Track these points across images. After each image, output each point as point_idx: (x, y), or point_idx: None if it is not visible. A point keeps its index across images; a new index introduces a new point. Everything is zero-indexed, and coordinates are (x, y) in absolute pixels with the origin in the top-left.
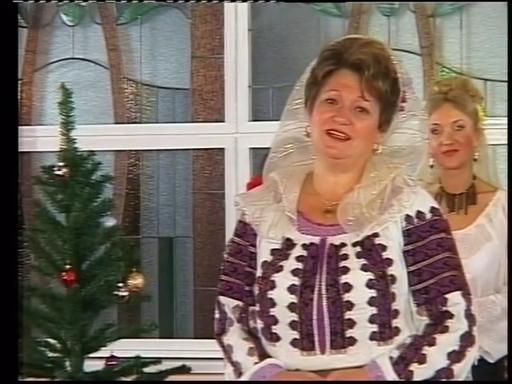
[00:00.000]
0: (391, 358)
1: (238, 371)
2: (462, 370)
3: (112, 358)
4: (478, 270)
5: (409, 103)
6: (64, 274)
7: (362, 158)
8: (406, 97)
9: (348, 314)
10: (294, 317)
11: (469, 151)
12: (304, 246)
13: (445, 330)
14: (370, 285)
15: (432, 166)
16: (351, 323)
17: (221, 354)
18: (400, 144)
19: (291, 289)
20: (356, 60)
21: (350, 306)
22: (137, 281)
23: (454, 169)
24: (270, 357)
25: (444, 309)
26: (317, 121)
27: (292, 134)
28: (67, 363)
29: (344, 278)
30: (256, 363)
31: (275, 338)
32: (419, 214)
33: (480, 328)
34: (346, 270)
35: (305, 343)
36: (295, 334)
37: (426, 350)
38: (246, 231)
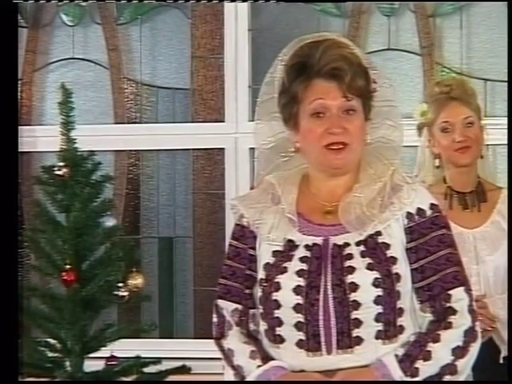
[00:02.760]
0: (396, 355)
1: (240, 375)
2: (466, 366)
3: (112, 357)
4: (501, 266)
5: (376, 81)
6: (64, 274)
7: (359, 157)
8: (374, 77)
9: (355, 314)
10: (300, 318)
11: (479, 148)
12: (307, 246)
13: (449, 325)
14: (376, 284)
15: (438, 167)
16: (358, 323)
17: (221, 354)
18: (378, 119)
19: (296, 290)
20: (331, 69)
21: (356, 305)
22: (137, 281)
23: (466, 166)
24: (272, 359)
25: (447, 305)
26: (311, 138)
27: (273, 148)
28: (67, 363)
29: (350, 278)
30: (259, 366)
31: (279, 339)
32: (419, 211)
33: (506, 325)
34: (351, 269)
35: (311, 344)
36: (301, 335)
37: (431, 346)
38: (244, 234)
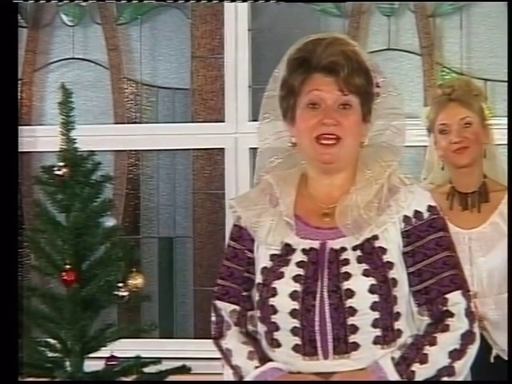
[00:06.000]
0: (393, 358)
1: (239, 375)
2: (464, 367)
3: (112, 357)
4: (495, 268)
5: (382, 87)
6: (64, 274)
7: (354, 156)
8: (378, 81)
9: (351, 320)
10: (296, 323)
11: (479, 148)
12: (304, 251)
13: (446, 328)
14: (372, 290)
15: (443, 168)
16: (354, 329)
17: (220, 354)
18: (383, 125)
19: (293, 295)
20: (328, 63)
21: (352, 311)
22: (137, 281)
23: (465, 167)
24: (270, 360)
25: (444, 308)
26: (304, 129)
27: (274, 146)
28: (67, 363)
29: (346, 284)
30: (257, 367)
31: (276, 344)
32: (417, 213)
33: (496, 325)
34: (347, 275)
35: (307, 349)
36: (297, 340)
37: (428, 349)
38: (241, 235)
